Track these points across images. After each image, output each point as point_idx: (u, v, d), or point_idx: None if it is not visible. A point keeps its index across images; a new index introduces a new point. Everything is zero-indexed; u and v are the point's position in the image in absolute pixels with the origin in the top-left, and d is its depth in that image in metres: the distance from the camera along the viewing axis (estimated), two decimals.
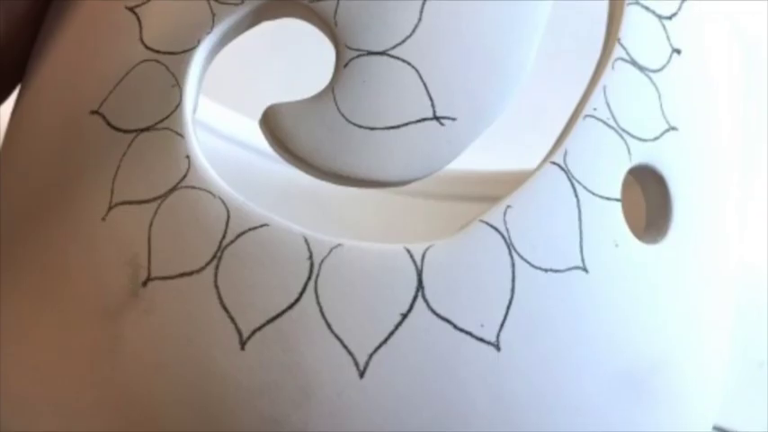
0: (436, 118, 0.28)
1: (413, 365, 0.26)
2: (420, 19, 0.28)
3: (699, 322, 0.30)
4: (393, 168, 0.27)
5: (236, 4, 0.29)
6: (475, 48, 0.28)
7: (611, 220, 0.28)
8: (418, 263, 0.26)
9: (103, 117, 0.28)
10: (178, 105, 0.28)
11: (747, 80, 0.36)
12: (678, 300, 0.29)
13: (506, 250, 0.27)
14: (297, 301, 0.26)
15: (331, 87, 0.28)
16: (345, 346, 0.25)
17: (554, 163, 0.28)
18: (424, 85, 0.28)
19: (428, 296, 0.26)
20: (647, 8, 0.31)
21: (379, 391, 0.26)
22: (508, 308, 0.26)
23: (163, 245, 0.26)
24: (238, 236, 0.26)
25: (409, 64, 0.28)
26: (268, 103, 0.28)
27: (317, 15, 0.29)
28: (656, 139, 0.29)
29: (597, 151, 0.28)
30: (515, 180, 0.28)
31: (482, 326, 0.26)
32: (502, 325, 0.26)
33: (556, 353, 0.27)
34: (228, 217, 0.26)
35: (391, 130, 0.27)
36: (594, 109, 0.29)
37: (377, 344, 0.26)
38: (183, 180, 0.27)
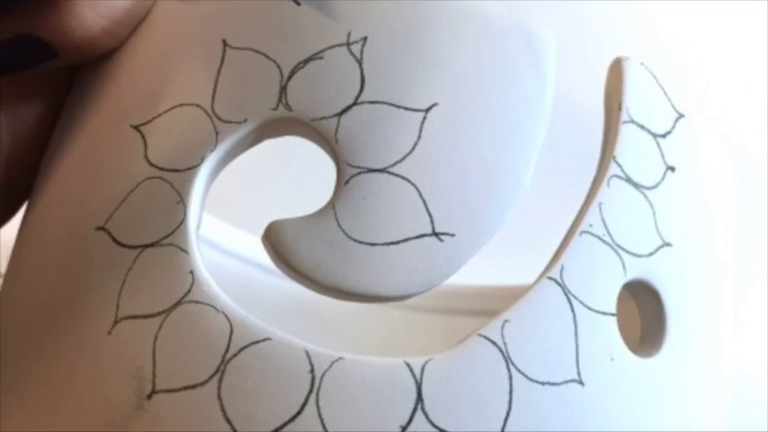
0: (435, 234, 0.28)
1: None
2: (420, 136, 0.29)
3: None
4: (393, 283, 0.28)
5: (238, 123, 0.29)
6: (473, 165, 0.29)
7: (606, 335, 0.28)
8: (417, 376, 0.26)
9: (109, 233, 0.29)
10: (182, 222, 0.28)
11: (746, 196, 0.36)
12: (672, 413, 0.29)
13: (504, 363, 0.27)
14: (299, 413, 0.26)
15: (332, 204, 0.28)
16: None
17: (551, 278, 0.28)
18: (424, 201, 0.28)
19: (427, 409, 0.26)
20: (642, 126, 0.31)
21: None
22: (506, 420, 0.26)
23: (167, 358, 0.27)
24: (241, 349, 0.26)
25: (409, 181, 0.28)
26: (270, 220, 0.28)
27: (319, 133, 0.29)
28: (651, 254, 0.30)
29: (593, 267, 0.29)
30: (513, 295, 0.28)
31: None
32: None
33: None
34: (231, 331, 0.27)
35: (391, 246, 0.28)
36: (590, 225, 0.29)
37: None
38: (186, 295, 0.27)
